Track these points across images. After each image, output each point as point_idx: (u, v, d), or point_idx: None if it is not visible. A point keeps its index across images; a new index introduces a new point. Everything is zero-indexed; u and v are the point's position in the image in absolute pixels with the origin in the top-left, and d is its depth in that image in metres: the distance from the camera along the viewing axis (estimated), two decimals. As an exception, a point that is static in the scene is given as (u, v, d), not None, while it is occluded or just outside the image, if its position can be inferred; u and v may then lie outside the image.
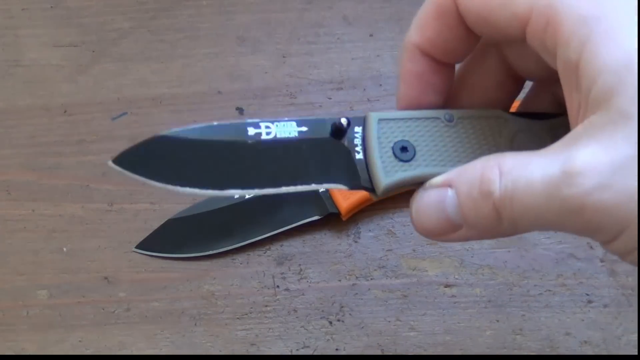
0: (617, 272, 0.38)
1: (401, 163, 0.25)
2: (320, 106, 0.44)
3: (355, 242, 0.40)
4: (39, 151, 0.44)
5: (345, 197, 0.39)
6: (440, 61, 0.26)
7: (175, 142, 0.26)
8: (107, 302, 0.39)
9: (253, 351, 0.37)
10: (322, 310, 0.38)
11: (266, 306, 0.38)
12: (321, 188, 0.26)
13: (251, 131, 0.26)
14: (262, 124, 0.26)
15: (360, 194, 0.39)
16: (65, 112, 0.45)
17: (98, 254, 0.40)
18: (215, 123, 0.26)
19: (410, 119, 0.26)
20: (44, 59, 0.47)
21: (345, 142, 0.26)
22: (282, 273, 0.39)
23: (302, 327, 0.38)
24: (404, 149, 0.25)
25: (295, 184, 0.26)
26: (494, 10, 0.22)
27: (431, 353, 0.37)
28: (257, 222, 0.40)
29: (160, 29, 0.48)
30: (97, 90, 0.46)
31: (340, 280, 0.39)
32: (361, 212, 0.40)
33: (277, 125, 0.26)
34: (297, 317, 0.38)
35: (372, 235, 0.40)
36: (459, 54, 0.26)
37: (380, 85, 0.45)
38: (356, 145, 0.26)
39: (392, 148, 0.25)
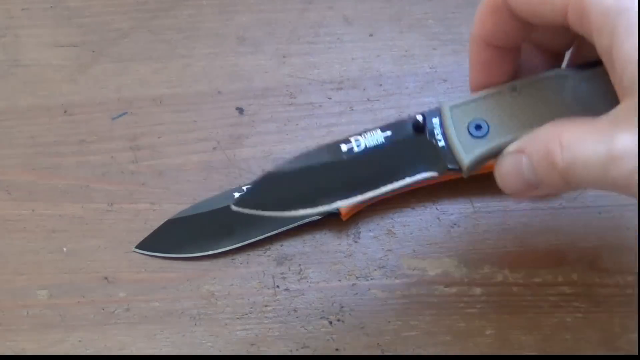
0: (617, 272, 0.38)
1: (478, 140, 0.28)
2: (320, 106, 0.44)
3: (355, 242, 0.40)
4: (39, 151, 0.44)
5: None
6: (503, 47, 0.29)
7: (283, 175, 0.30)
8: (107, 302, 0.39)
9: (253, 351, 0.37)
10: (322, 310, 0.38)
11: (266, 306, 0.38)
12: (414, 180, 0.29)
13: (344, 147, 0.30)
14: (352, 138, 0.30)
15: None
16: (65, 112, 0.45)
17: (98, 254, 0.40)
18: (311, 149, 0.30)
19: (479, 98, 0.29)
20: (44, 59, 0.47)
21: (427, 134, 0.29)
22: (282, 273, 0.39)
23: (302, 327, 0.38)
24: (478, 127, 0.28)
25: (392, 182, 0.29)
26: (536, 5, 0.25)
27: (431, 353, 0.37)
28: (257, 222, 0.40)
29: (160, 29, 0.48)
30: (97, 90, 0.46)
31: (340, 280, 0.39)
32: (361, 212, 0.40)
33: (364, 136, 0.30)
34: (297, 317, 0.38)
35: (372, 235, 0.40)
36: (519, 40, 0.29)
37: (380, 85, 0.45)
38: (437, 135, 0.29)
39: (467, 128, 0.28)
